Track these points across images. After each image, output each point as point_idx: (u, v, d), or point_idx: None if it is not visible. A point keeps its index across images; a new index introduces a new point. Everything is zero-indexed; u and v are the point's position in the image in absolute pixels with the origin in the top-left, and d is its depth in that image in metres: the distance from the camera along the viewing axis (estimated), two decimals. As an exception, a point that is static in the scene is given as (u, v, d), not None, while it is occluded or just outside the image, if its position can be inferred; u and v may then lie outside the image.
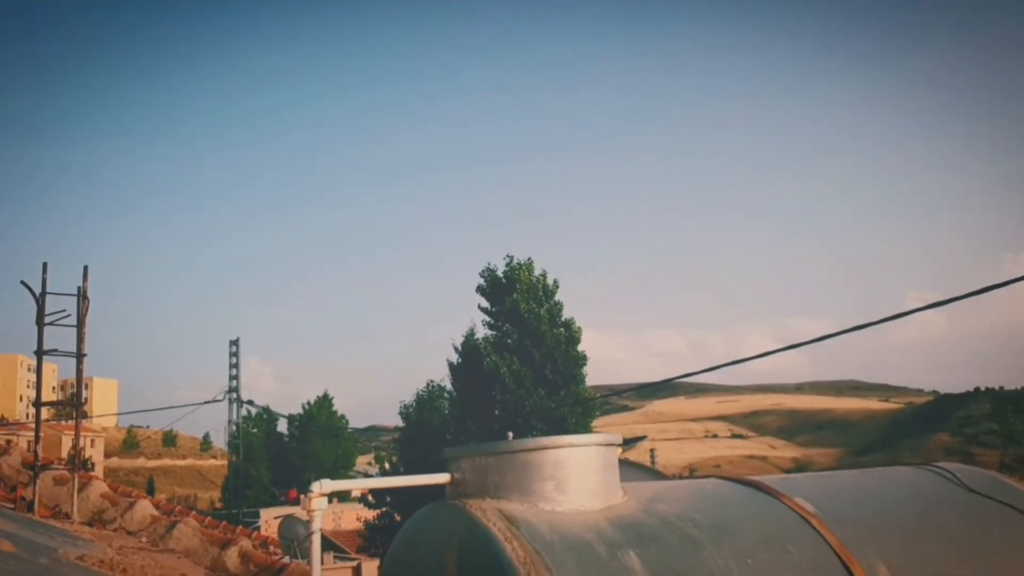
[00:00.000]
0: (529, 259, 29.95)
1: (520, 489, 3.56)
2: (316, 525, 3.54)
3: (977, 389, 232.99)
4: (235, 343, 42.92)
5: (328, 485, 3.58)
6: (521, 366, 27.84)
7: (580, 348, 29.29)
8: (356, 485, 4.36)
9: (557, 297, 29.78)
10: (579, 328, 29.49)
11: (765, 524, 3.71)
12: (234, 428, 44.09)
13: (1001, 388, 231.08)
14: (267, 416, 65.32)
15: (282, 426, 67.22)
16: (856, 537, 3.71)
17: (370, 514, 34.60)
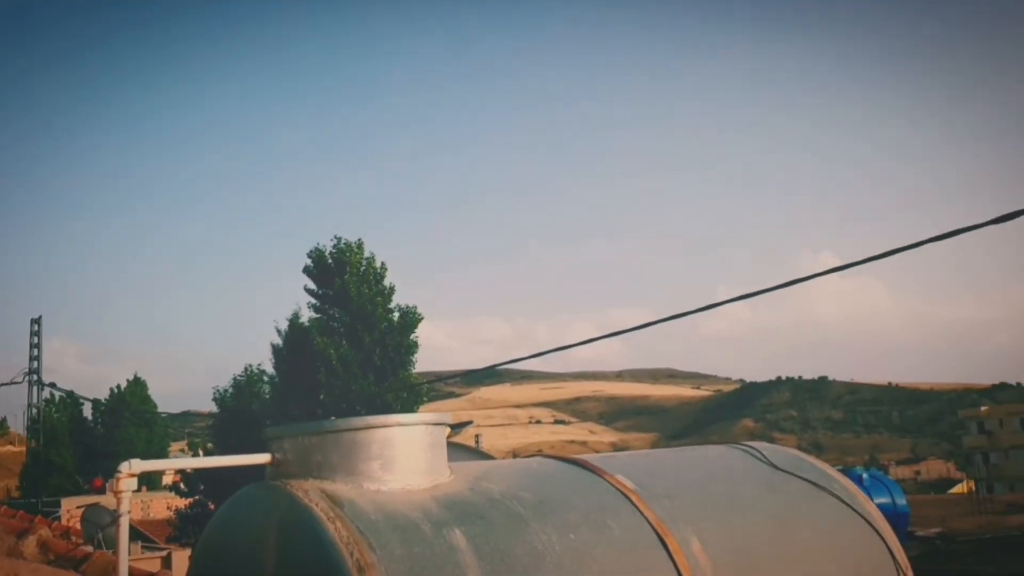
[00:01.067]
0: (359, 240, 29.49)
1: (345, 469, 3.47)
2: (124, 508, 3.31)
3: (779, 378, 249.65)
4: (36, 322, 39.97)
5: (138, 465, 3.35)
6: (350, 350, 27.43)
7: (413, 335, 29.18)
8: (169, 465, 4.12)
9: (387, 281, 29.50)
10: (420, 315, 29.35)
11: (587, 501, 3.79)
12: (34, 412, 41.10)
13: (800, 377, 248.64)
14: (71, 400, 61.28)
15: (88, 411, 63.31)
16: (672, 512, 3.86)
17: (182, 502, 33.22)
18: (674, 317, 12.37)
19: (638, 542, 3.65)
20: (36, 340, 39.76)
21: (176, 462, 4.01)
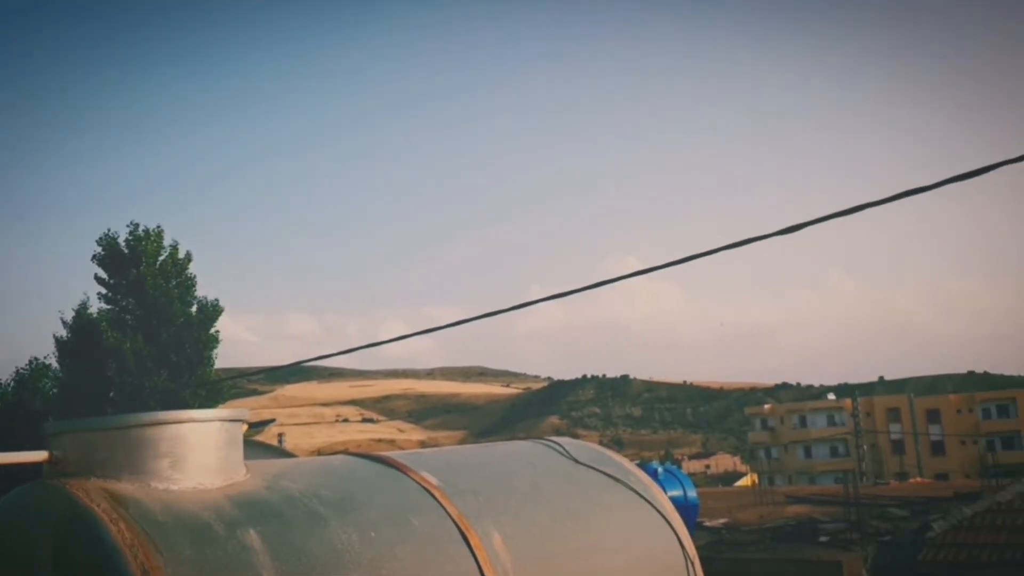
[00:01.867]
0: (158, 227, 27.90)
1: (131, 468, 3.26)
2: None
3: (584, 376, 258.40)
4: None
5: None
6: (144, 345, 25.93)
7: (213, 329, 27.95)
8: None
9: (190, 271, 28.10)
10: (221, 308, 28.10)
11: (390, 498, 3.76)
12: None
13: (604, 375, 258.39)
14: None
15: None
16: (475, 507, 3.89)
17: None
18: (486, 315, 12.52)
19: (440, 538, 3.65)
20: None
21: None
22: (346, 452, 4.31)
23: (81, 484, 3.13)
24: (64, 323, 27.33)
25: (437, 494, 3.85)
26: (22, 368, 29.59)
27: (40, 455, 3.36)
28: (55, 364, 28.14)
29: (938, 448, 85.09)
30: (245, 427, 3.88)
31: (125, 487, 3.17)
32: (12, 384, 29.26)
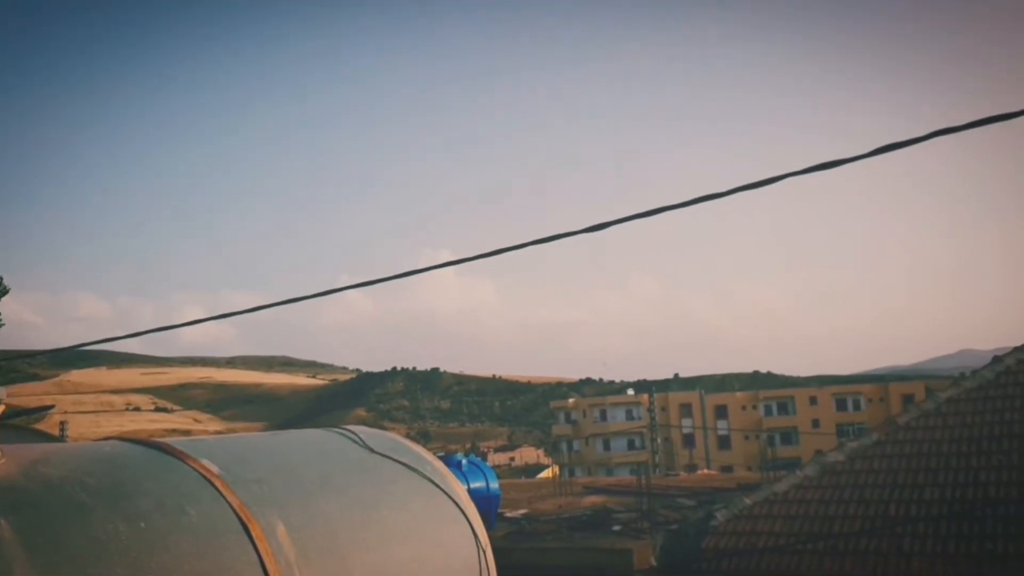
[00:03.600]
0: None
1: None
2: None
3: (394, 368, 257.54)
4: None
5: None
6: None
7: (-10, 308, 25.67)
8: None
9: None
10: (5, 288, 25.81)
11: (165, 486, 3.51)
12: None
13: (414, 368, 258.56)
14: None
15: None
16: (259, 497, 3.71)
17: None
18: (290, 301, 12.12)
19: (218, 529, 3.44)
20: None
21: None
22: (118, 438, 4.00)
23: None
24: None
25: (217, 483, 3.63)
26: None
27: None
28: None
29: (724, 442, 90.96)
30: (1, 408, 3.53)
31: None
32: None
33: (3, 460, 3.27)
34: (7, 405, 4.00)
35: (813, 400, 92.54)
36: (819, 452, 16.62)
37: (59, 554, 2.91)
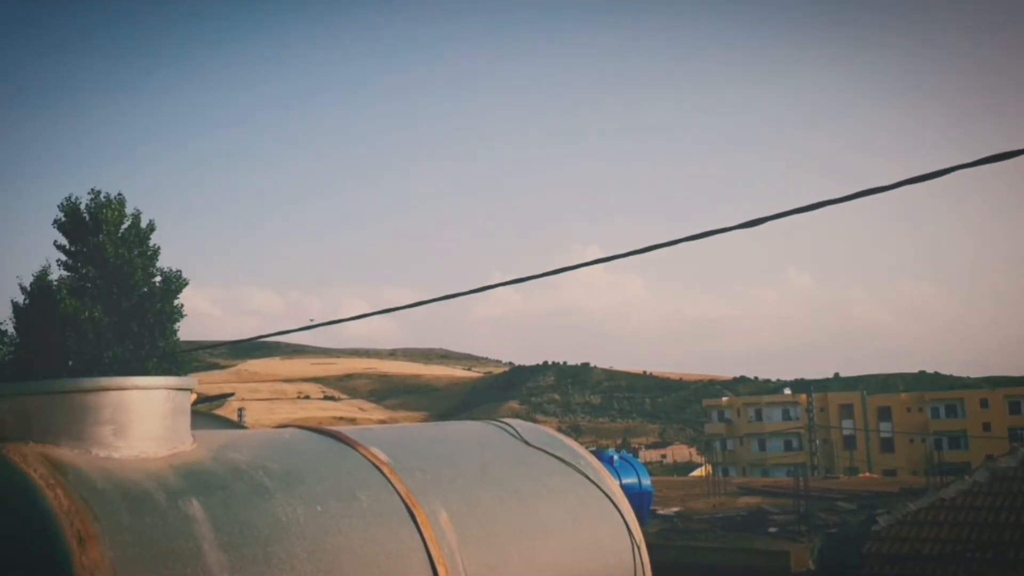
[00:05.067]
0: (120, 195, 27.47)
1: (72, 434, 3.20)
2: None
3: (545, 363, 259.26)
4: None
5: None
6: (105, 315, 25.56)
7: (177, 301, 27.64)
8: None
9: (152, 242, 27.73)
10: (184, 281, 27.77)
11: (338, 472, 3.74)
12: None
13: (564, 363, 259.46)
14: None
15: None
16: (423, 485, 3.88)
17: None
18: (446, 297, 12.48)
19: (387, 514, 3.64)
20: None
21: None
22: (295, 426, 4.28)
23: (18, 449, 3.07)
24: (23, 289, 26.86)
25: (385, 470, 3.84)
26: (-26, 332, 29.05)
27: (-23, 419, 3.29)
28: (11, 330, 27.68)
29: (887, 445, 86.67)
30: (194, 396, 3.84)
31: (65, 453, 3.12)
32: (-36, 349, 28.73)
33: (195, 445, 3.57)
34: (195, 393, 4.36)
35: (984, 402, 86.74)
36: (990, 457, 15.66)
37: (244, 534, 3.15)
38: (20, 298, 26.88)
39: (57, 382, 3.30)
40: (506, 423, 5.05)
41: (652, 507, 21.50)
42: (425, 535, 3.64)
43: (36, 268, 27.10)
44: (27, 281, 26.88)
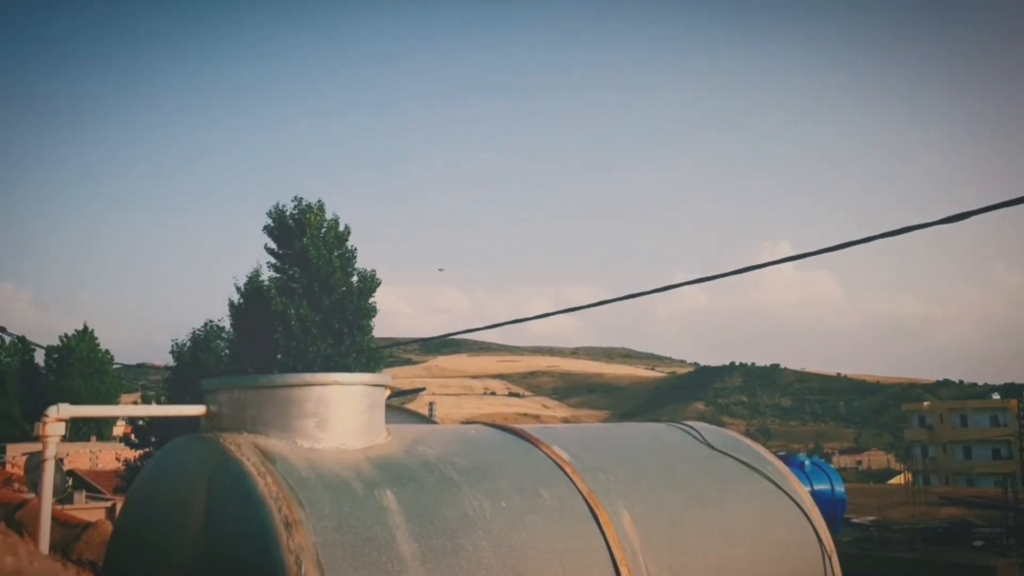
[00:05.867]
0: (320, 201, 29.18)
1: (280, 425, 3.46)
2: (49, 453, 3.27)
3: (732, 363, 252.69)
4: (-12, 264, 39.23)
5: (66, 411, 3.31)
6: (309, 311, 27.22)
7: (372, 299, 29.01)
8: (99, 412, 4.07)
9: (349, 244, 29.24)
10: (378, 280, 29.16)
11: (521, 469, 3.83)
12: (-19, 356, 40.31)
13: (752, 364, 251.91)
14: (22, 346, 60.28)
15: (40, 358, 62.33)
16: (605, 484, 3.91)
17: (132, 454, 32.87)
18: (629, 296, 12.45)
19: (569, 512, 3.69)
20: (-14, 283, 38.99)
21: (107, 409, 3.97)
22: (481, 423, 4.41)
23: (233, 438, 3.35)
24: (238, 289, 29.11)
25: (568, 469, 3.89)
26: (198, 329, 31.75)
27: (198, 409, 3.63)
28: (228, 327, 30.04)
29: (1115, 456, 78.46)
30: (388, 392, 4.04)
31: (273, 443, 3.37)
32: (189, 344, 31.44)
33: (389, 438, 3.76)
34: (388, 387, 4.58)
35: None
36: None
37: (433, 525, 3.29)
38: (236, 298, 29.13)
39: (267, 377, 3.57)
40: (689, 425, 4.99)
41: (846, 515, 20.55)
42: (607, 535, 3.67)
43: (250, 270, 29.32)
44: (242, 282, 29.14)
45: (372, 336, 29.67)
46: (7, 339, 55.79)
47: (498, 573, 3.26)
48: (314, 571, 2.84)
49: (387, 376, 3.97)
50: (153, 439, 31.28)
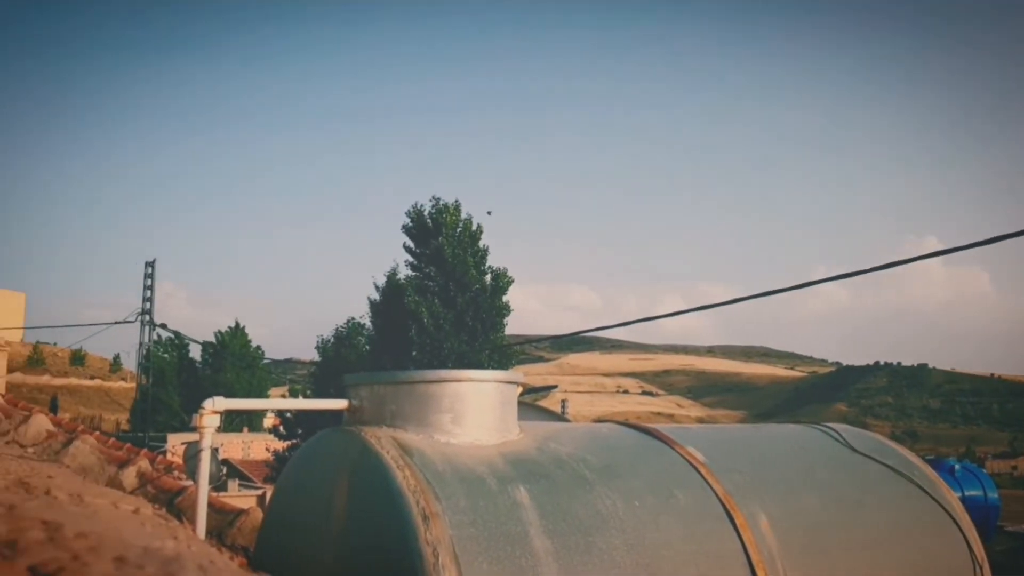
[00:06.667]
0: (456, 201, 29.73)
1: (417, 420, 3.56)
2: (205, 443, 3.47)
3: (876, 363, 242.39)
4: (151, 264, 41.70)
5: (221, 403, 3.52)
6: (443, 309, 27.82)
7: (505, 298, 29.38)
8: (250, 405, 4.31)
9: (481, 243, 29.70)
10: (510, 279, 29.52)
11: (655, 469, 3.80)
12: (145, 351, 43.04)
13: (898, 363, 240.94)
14: (179, 341, 64.09)
15: (195, 352, 66.18)
16: (741, 486, 3.83)
17: (280, 445, 34.42)
18: (768, 293, 12.15)
19: (704, 514, 3.64)
20: (149, 282, 41.51)
21: (257, 402, 4.19)
22: (613, 421, 4.41)
23: (374, 432, 3.48)
24: (376, 287, 30.13)
25: (703, 470, 3.84)
26: (341, 327, 33.06)
27: (341, 403, 3.78)
28: (368, 324, 31.11)
29: None
30: (520, 389, 4.09)
31: (411, 437, 3.48)
32: (332, 340, 32.77)
33: (521, 435, 3.81)
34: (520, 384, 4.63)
35: None
36: None
37: (566, 522, 3.31)
38: (376, 296, 30.13)
39: (405, 373, 3.68)
40: (830, 427, 4.83)
41: (999, 523, 19.39)
42: (744, 538, 3.60)
43: (388, 268, 30.27)
44: (380, 281, 30.12)
45: (504, 334, 30.03)
46: (166, 335, 59.27)
47: (632, 573, 3.25)
48: (451, 563, 2.91)
49: (519, 373, 4.02)
50: (299, 431, 32.67)
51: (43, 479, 2.14)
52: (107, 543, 1.14)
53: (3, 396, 8.56)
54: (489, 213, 31.07)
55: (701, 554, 3.48)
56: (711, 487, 3.76)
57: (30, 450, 6.68)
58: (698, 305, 12.16)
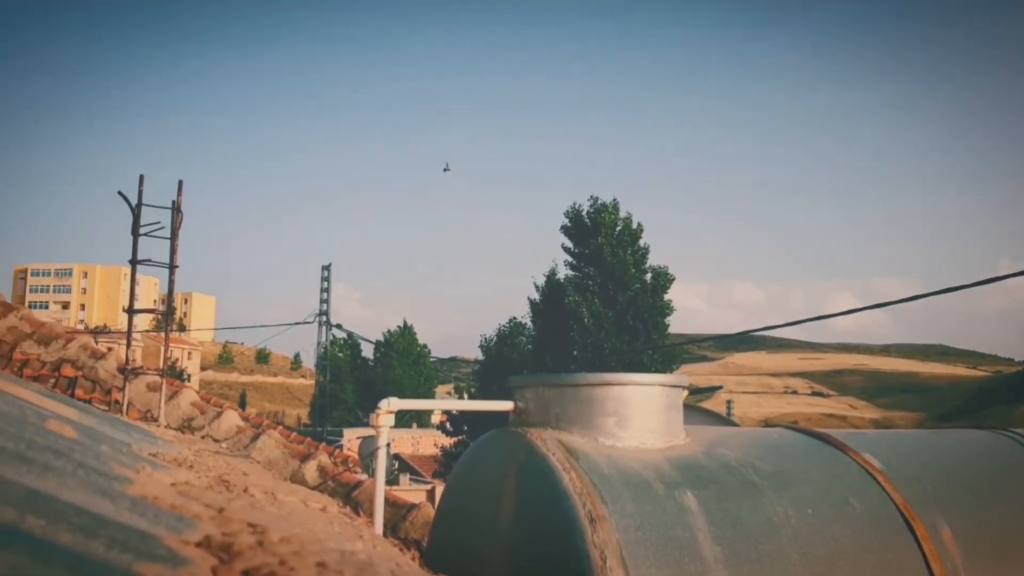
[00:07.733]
0: (614, 200, 29.67)
1: (581, 422, 3.60)
2: (382, 441, 3.65)
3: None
4: (327, 268, 43.88)
5: (396, 403, 3.68)
6: (603, 308, 27.83)
7: (666, 296, 29.09)
8: (423, 405, 4.48)
9: (642, 241, 29.51)
10: (672, 277, 29.23)
11: (828, 476, 3.68)
12: (322, 350, 45.37)
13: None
14: (353, 341, 67.15)
15: (367, 351, 69.22)
16: (921, 496, 3.66)
17: (447, 441, 35.43)
18: (948, 290, 11.46)
19: (882, 524, 3.49)
20: (326, 285, 43.70)
21: (428, 403, 4.38)
22: (783, 425, 4.29)
23: (540, 434, 3.54)
24: (537, 287, 30.52)
25: (879, 478, 3.68)
26: (503, 326, 33.69)
27: (507, 405, 3.87)
28: (529, 324, 31.56)
29: None
30: (685, 393, 4.06)
31: (576, 440, 3.52)
32: (495, 340, 33.45)
33: (687, 439, 3.78)
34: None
35: None
36: None
37: (735, 529, 3.26)
38: (536, 296, 30.52)
39: (569, 375, 3.73)
40: (1019, 433, 4.53)
41: None
42: (925, 549, 3.43)
43: (548, 269, 30.59)
44: (540, 281, 30.47)
45: (668, 333, 29.73)
46: (341, 335, 62.17)
47: (804, 582, 3.16)
48: (618, 567, 2.93)
49: (685, 377, 3.99)
50: (465, 427, 33.52)
51: (239, 476, 2.31)
52: (308, 547, 1.23)
53: (198, 392, 9.21)
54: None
55: (879, 565, 3.34)
56: (889, 495, 3.61)
57: (223, 444, 7.18)
58: (873, 303, 11.61)
